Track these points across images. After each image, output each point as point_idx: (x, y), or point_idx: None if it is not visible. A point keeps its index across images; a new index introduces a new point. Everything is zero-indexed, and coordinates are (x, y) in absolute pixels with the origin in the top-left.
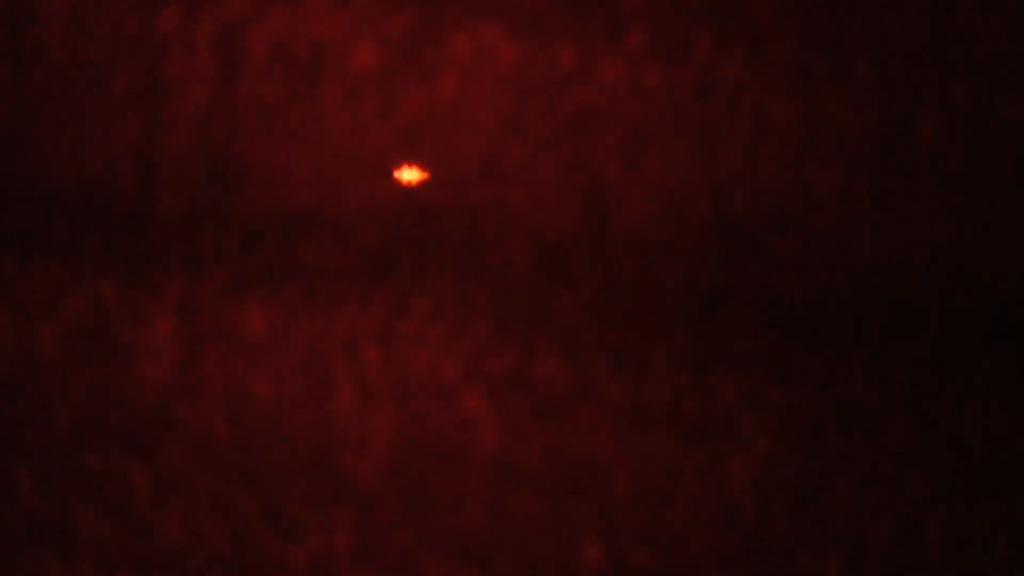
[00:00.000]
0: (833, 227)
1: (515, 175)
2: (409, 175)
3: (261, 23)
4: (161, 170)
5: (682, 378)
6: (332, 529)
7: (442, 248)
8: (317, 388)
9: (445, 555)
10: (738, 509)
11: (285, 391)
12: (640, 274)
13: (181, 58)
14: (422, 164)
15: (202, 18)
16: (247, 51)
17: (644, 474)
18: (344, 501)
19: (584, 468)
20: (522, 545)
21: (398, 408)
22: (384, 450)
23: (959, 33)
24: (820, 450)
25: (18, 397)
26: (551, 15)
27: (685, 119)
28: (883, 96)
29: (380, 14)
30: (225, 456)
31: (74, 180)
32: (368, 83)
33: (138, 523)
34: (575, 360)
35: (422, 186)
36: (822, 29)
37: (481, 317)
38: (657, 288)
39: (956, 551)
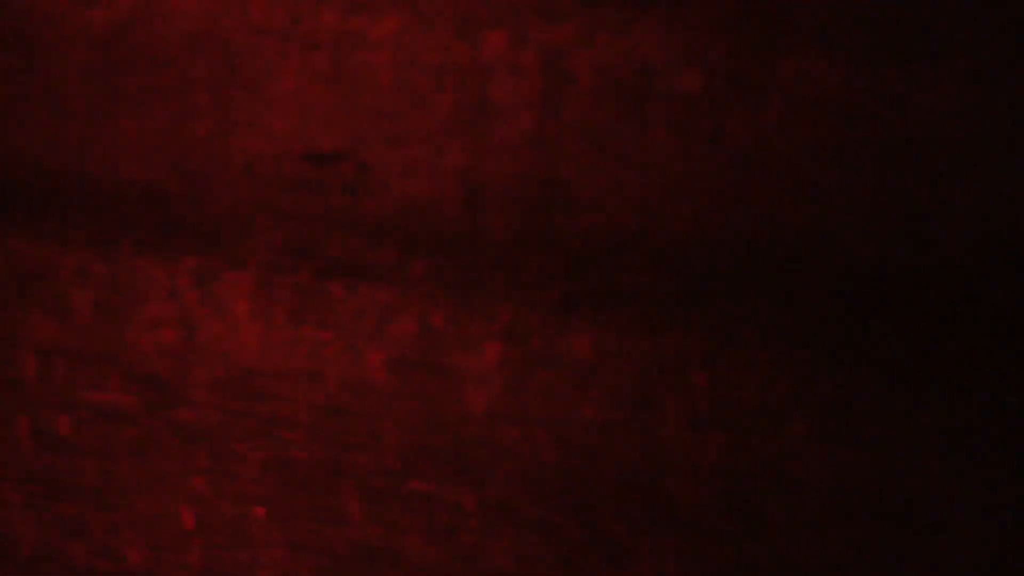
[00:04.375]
0: None
1: (833, 200)
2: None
3: (587, 47)
4: (487, 194)
5: (1012, 399)
6: (660, 555)
7: (761, 273)
8: (644, 413)
9: None
10: None
11: (612, 416)
12: (959, 302)
13: (507, 82)
14: (746, 188)
15: (528, 43)
16: (573, 76)
17: (967, 502)
18: (672, 527)
19: (909, 496)
20: (849, 573)
21: (726, 433)
22: (712, 475)
23: None
24: None
25: (347, 422)
26: (872, 40)
27: (1009, 141)
28: None
29: (707, 38)
30: (552, 482)
31: (401, 205)
32: (694, 108)
33: (466, 549)
34: (895, 387)
35: (740, 211)
36: None
37: (801, 343)
38: (978, 315)
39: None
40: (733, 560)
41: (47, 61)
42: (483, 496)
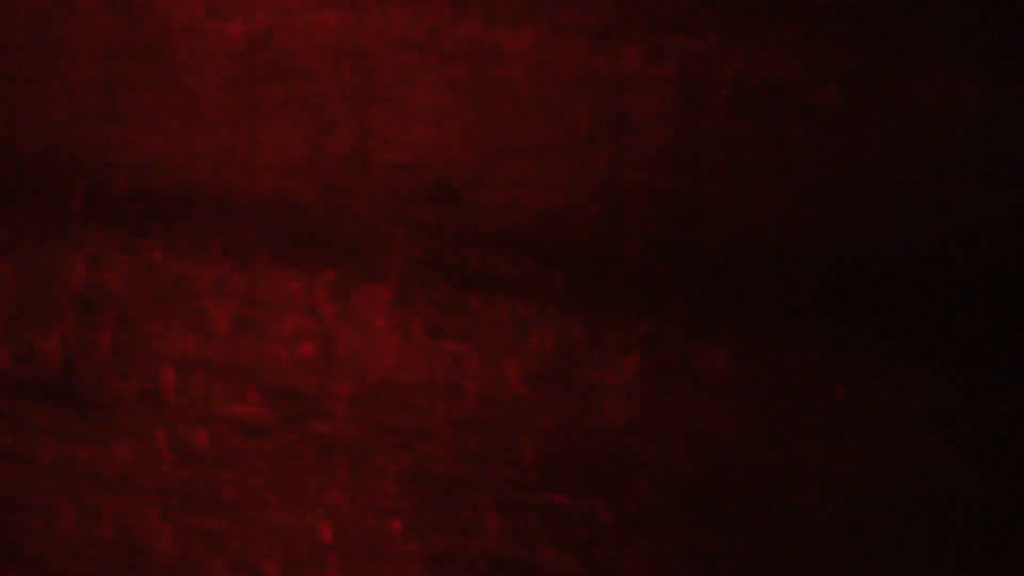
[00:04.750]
0: None
1: (971, 211)
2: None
3: (724, 61)
4: (625, 207)
5: None
6: (796, 571)
7: (898, 285)
8: (780, 425)
9: None
10: None
11: (749, 429)
12: None
13: (644, 96)
14: (882, 200)
15: (666, 56)
16: (710, 89)
17: None
18: (808, 540)
19: None
20: None
21: (862, 446)
22: (848, 490)
23: None
24: None
25: (485, 435)
26: (1007, 55)
27: None
28: None
29: (843, 52)
30: (689, 494)
31: (539, 217)
32: (830, 120)
33: (602, 562)
34: None
35: (877, 223)
36: None
37: (939, 356)
38: None
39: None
40: (871, 574)
41: (185, 73)
42: (620, 509)
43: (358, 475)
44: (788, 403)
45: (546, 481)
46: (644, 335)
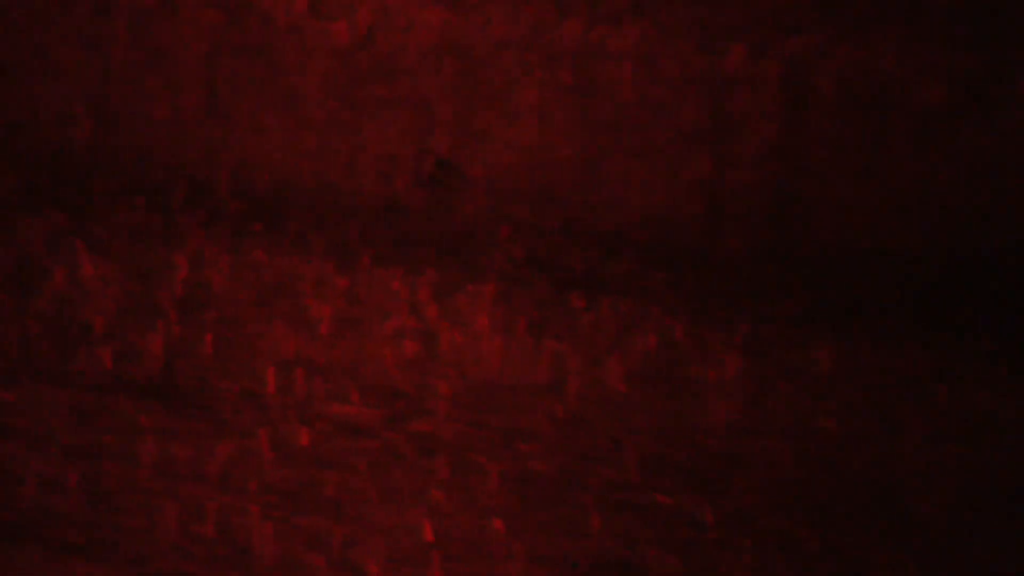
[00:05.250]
0: None
1: None
2: None
3: (828, 59)
4: (728, 207)
5: None
6: (898, 568)
7: (1002, 285)
8: (883, 425)
9: None
10: None
11: (851, 428)
12: None
13: (748, 95)
14: (987, 201)
15: (770, 55)
16: (814, 88)
17: None
18: (910, 539)
19: None
20: None
21: (964, 446)
22: (950, 489)
23: None
24: None
25: (586, 434)
26: None
27: None
28: None
29: (946, 52)
30: (791, 494)
31: (641, 217)
32: (934, 120)
33: (704, 561)
34: None
35: (981, 223)
36: None
37: None
38: None
39: None
40: (971, 573)
41: (287, 72)
42: (722, 508)
43: (459, 474)
44: (890, 402)
45: (648, 481)
46: (746, 334)
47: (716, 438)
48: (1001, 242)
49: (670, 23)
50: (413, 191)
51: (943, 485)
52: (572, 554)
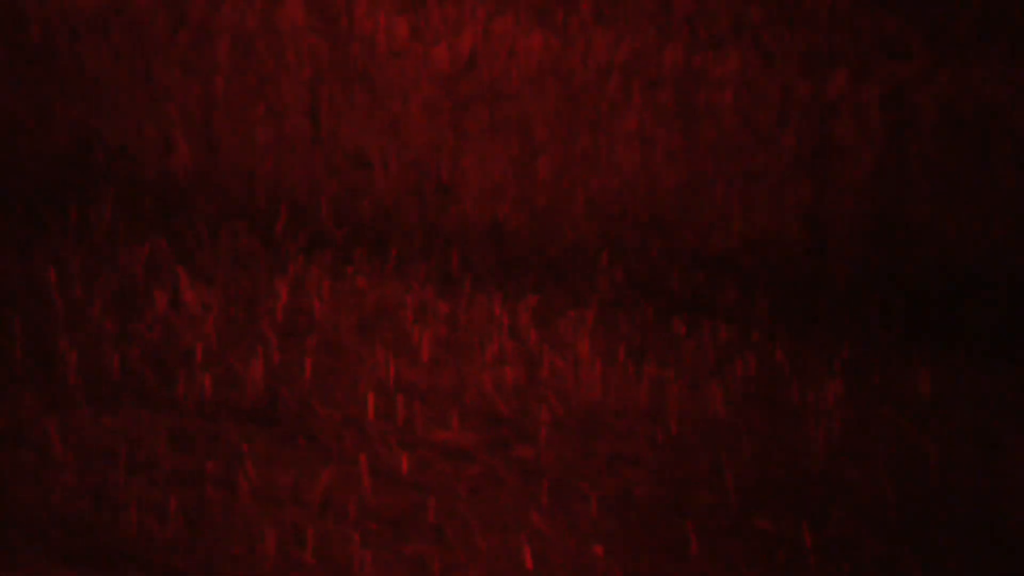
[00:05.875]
0: None
1: None
2: None
3: (930, 84)
4: (830, 231)
5: None
6: None
7: None
8: (986, 451)
9: None
10: None
11: (954, 453)
12: None
13: (851, 120)
14: None
15: (871, 80)
16: (916, 112)
17: None
18: (1012, 565)
19: None
20: None
21: None
22: None
23: None
24: None
25: (688, 459)
26: None
27: None
28: None
29: None
30: (893, 519)
31: (743, 241)
32: None
33: None
34: None
35: None
36: None
37: None
38: None
39: None
40: None
41: (390, 97)
42: (823, 533)
43: (561, 499)
44: (991, 427)
45: (748, 505)
46: (846, 359)
47: (817, 462)
48: None
49: (773, 48)
50: (515, 215)
51: None
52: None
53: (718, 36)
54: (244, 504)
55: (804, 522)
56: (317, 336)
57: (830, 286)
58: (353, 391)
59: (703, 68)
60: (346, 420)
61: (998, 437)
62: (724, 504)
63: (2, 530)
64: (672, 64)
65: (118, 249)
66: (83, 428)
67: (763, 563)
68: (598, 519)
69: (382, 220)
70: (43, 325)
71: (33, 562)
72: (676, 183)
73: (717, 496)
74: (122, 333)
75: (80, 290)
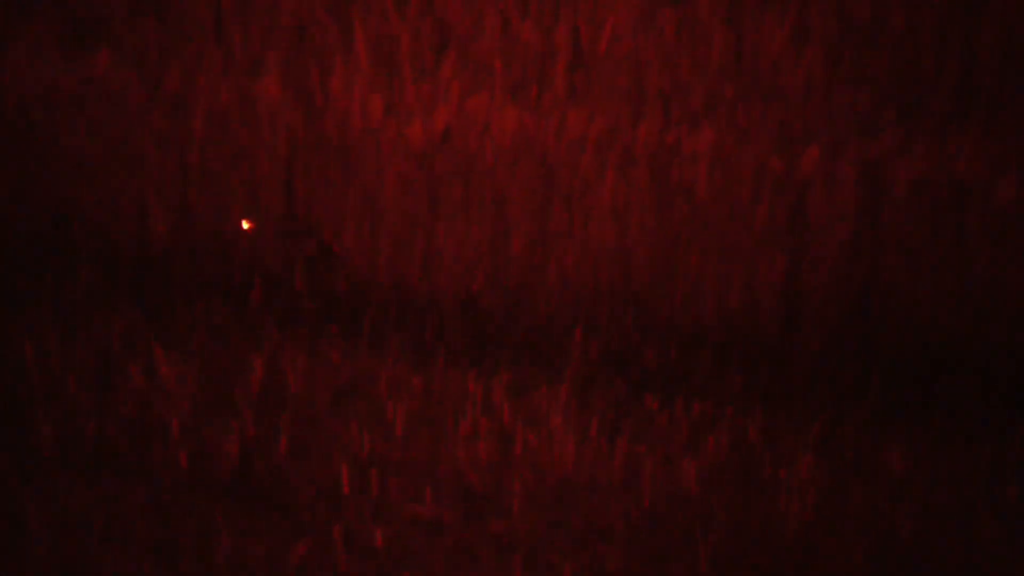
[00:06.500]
0: None
1: None
2: None
3: (904, 159)
4: (803, 306)
5: None
6: None
7: None
8: (958, 526)
9: None
10: None
11: (926, 528)
12: None
13: (824, 195)
14: None
15: (846, 156)
16: (890, 187)
17: None
18: None
19: None
20: None
21: None
22: None
23: None
24: None
25: (661, 534)
26: None
27: None
28: None
29: (1023, 151)
30: None
31: (718, 316)
32: (1012, 218)
33: None
34: None
35: None
36: None
37: None
38: None
39: None
40: None
41: (364, 172)
42: None
43: (534, 573)
44: (964, 503)
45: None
46: (819, 434)
47: (789, 538)
48: None
49: (746, 124)
50: (489, 291)
51: None
52: None
53: (692, 112)
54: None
55: None
56: (292, 409)
57: (804, 361)
58: (327, 464)
59: (677, 144)
60: (320, 493)
61: (971, 513)
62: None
63: None
64: (646, 140)
65: (93, 321)
66: (58, 500)
67: None
68: None
69: (356, 293)
70: (19, 397)
71: None
72: (650, 258)
73: (690, 571)
74: (98, 406)
75: (56, 363)
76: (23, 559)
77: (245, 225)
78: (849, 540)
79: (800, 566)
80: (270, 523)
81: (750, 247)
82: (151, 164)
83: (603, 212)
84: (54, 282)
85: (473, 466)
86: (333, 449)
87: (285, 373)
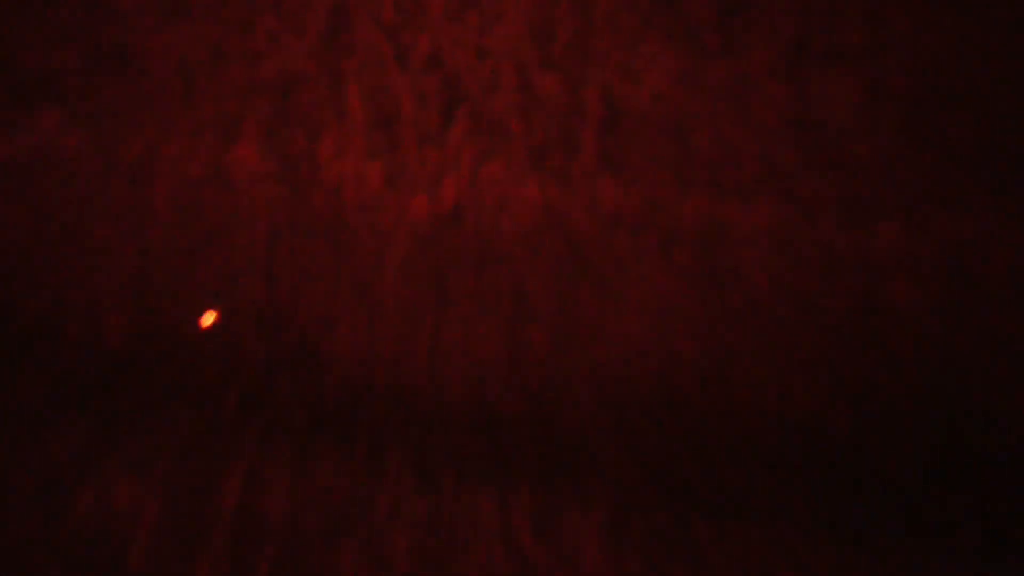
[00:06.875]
0: None
1: None
2: None
3: (994, 242)
4: (880, 412)
5: None
6: None
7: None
8: None
9: None
10: None
11: None
12: None
13: (902, 280)
14: None
15: (927, 235)
16: (977, 274)
17: None
18: None
19: None
20: None
21: None
22: None
23: None
24: None
25: None
26: None
27: None
28: None
29: None
30: None
31: (778, 423)
32: None
33: None
34: None
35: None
36: None
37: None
38: None
39: None
40: None
41: (360, 256)
42: None
43: None
44: None
45: None
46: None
47: None
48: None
49: (809, 197)
50: (507, 396)
51: None
52: None
53: (745, 183)
54: None
55: None
56: (274, 540)
57: (881, 478)
58: None
59: (727, 221)
60: None
61: None
62: None
63: None
64: (691, 216)
65: (40, 436)
66: None
67: None
68: None
69: (351, 400)
70: None
71: None
72: (697, 357)
73: None
74: (45, 533)
75: None
76: None
77: (210, 318)
78: None
79: None
80: None
81: (815, 342)
82: (107, 245)
83: (641, 301)
84: None
85: None
86: None
87: (266, 498)
